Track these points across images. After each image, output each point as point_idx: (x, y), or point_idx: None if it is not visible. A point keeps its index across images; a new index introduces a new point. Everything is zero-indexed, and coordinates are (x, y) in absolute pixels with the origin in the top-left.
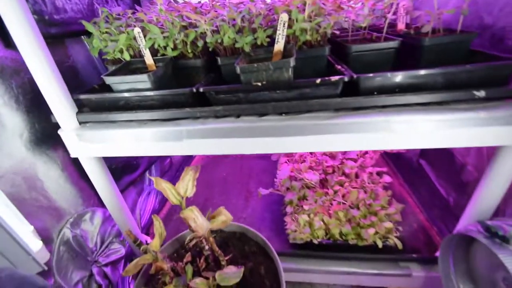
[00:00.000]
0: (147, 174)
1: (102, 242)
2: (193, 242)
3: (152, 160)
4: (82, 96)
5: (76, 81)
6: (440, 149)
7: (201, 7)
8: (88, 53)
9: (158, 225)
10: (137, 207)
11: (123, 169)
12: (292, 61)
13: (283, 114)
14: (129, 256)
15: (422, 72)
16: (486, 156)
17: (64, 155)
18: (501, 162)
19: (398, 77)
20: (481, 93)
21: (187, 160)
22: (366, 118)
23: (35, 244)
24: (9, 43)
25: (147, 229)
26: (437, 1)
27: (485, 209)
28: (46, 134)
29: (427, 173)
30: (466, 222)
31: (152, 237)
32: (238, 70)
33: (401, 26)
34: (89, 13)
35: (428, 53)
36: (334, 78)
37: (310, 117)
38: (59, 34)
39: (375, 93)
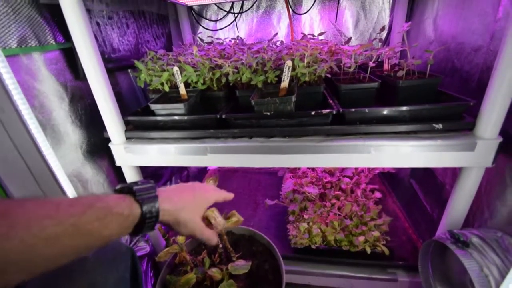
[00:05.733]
0: (168, 184)
1: (132, 239)
2: None
3: (173, 172)
4: (130, 118)
5: (120, 103)
6: (426, 170)
7: (223, 50)
8: (130, 81)
9: None
10: None
11: (151, 178)
12: (293, 98)
13: (286, 137)
14: (151, 255)
15: (393, 109)
16: None
17: (108, 164)
18: (463, 181)
19: (374, 112)
20: (439, 126)
21: (202, 172)
22: (350, 142)
23: None
24: (78, 76)
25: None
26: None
27: (455, 221)
28: (97, 146)
29: (416, 192)
30: (441, 231)
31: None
32: (252, 103)
33: (386, 66)
34: (135, 51)
35: (402, 93)
36: (325, 111)
37: (307, 139)
38: (113, 68)
39: (358, 123)
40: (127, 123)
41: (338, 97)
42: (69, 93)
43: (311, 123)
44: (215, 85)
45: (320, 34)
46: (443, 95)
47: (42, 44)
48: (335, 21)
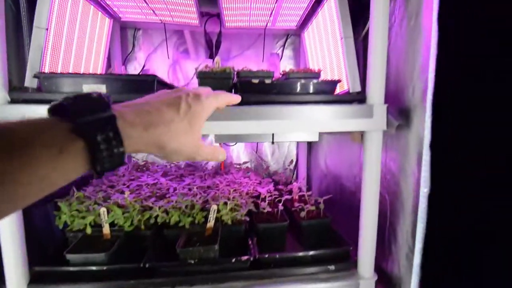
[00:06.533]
0: None
1: None
2: None
3: None
4: (39, 268)
5: (30, 247)
6: None
7: (155, 184)
8: (48, 219)
9: None
10: None
11: None
12: (216, 247)
13: (210, 283)
14: None
15: (297, 254)
16: None
17: None
18: None
19: (284, 256)
20: (332, 267)
21: None
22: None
23: None
24: None
25: None
26: (322, 171)
27: None
28: None
29: None
30: None
31: None
32: (178, 251)
33: (296, 199)
34: None
35: (305, 231)
36: (244, 258)
37: (229, 286)
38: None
39: (272, 266)
40: (34, 275)
41: (257, 233)
42: None
43: (233, 268)
44: (143, 226)
45: (245, 163)
46: (335, 234)
47: None
48: (256, 151)
